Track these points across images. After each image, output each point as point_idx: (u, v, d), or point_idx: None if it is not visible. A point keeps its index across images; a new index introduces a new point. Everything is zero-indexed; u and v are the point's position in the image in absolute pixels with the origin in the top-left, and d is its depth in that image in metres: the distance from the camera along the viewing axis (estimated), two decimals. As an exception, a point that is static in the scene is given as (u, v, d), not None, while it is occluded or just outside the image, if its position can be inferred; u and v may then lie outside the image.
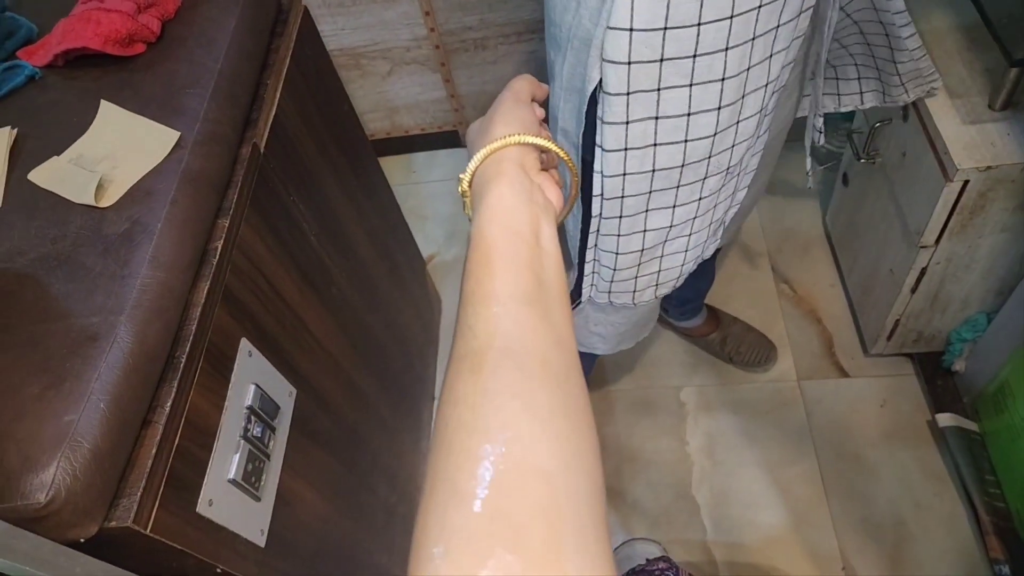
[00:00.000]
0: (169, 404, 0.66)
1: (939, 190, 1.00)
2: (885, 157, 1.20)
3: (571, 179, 0.53)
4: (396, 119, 1.98)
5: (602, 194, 0.78)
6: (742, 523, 1.34)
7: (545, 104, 0.55)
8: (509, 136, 0.45)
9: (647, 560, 0.70)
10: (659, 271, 0.91)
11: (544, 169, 0.48)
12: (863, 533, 1.28)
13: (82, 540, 0.59)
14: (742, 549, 1.31)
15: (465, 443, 0.33)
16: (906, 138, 1.11)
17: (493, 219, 0.41)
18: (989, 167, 0.95)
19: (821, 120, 0.89)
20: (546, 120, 0.53)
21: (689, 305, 1.47)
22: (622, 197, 0.78)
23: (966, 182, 0.98)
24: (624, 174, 0.75)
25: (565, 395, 0.36)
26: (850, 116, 1.49)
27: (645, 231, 0.83)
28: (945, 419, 1.28)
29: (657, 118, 0.70)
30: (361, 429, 1.14)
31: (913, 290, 1.20)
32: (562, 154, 0.48)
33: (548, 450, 0.33)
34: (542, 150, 0.47)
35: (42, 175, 0.78)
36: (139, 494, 0.61)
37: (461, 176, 0.46)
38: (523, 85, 0.52)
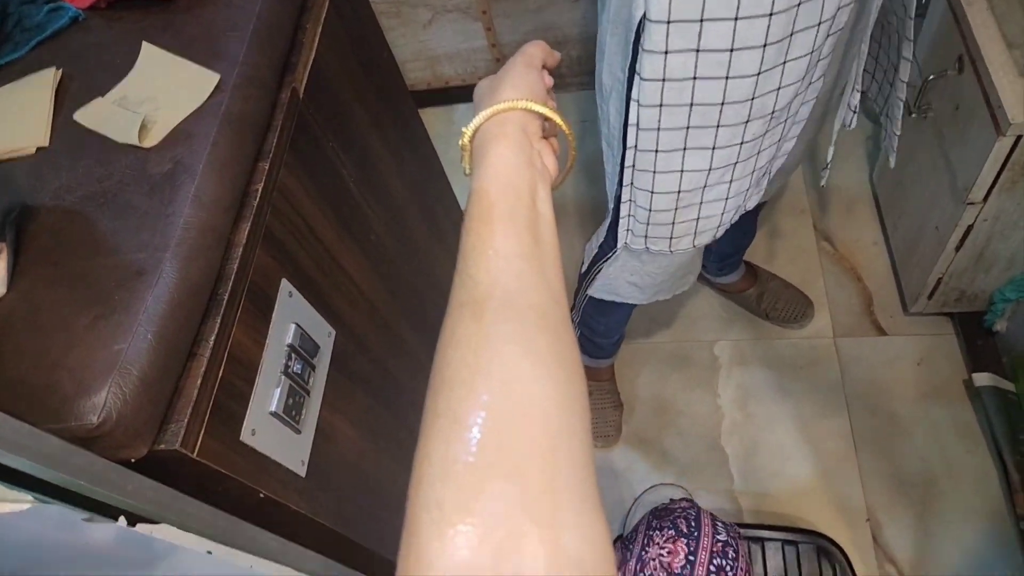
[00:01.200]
0: (213, 338, 0.69)
1: (990, 145, 0.97)
2: (937, 111, 1.16)
3: (568, 151, 0.54)
4: (437, 69, 1.97)
5: (637, 123, 0.77)
6: (770, 474, 1.35)
7: (555, 72, 0.56)
8: (516, 100, 0.46)
9: (670, 500, 0.72)
10: (698, 218, 0.89)
11: (544, 137, 0.50)
12: (891, 488, 1.29)
13: (133, 460, 0.63)
14: (768, 499, 1.32)
15: (468, 380, 0.35)
16: (960, 91, 1.07)
17: (496, 178, 0.43)
18: (1044, 122, 0.92)
19: (858, 96, 0.84)
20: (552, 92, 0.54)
21: (728, 260, 1.46)
22: (658, 129, 0.76)
23: (1019, 137, 0.94)
24: (661, 105, 0.74)
25: (561, 345, 0.38)
26: (902, 66, 1.44)
27: (683, 171, 0.81)
28: (982, 378, 1.27)
29: (698, 51, 0.68)
30: (398, 372, 1.18)
31: (958, 248, 1.17)
32: (563, 125, 0.50)
33: (546, 391, 0.36)
34: (545, 118, 0.48)
35: (88, 116, 0.81)
36: (186, 420, 0.65)
37: (464, 130, 0.47)
38: (536, 51, 0.53)
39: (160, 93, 0.83)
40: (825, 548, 1.12)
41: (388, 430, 1.10)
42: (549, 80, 0.53)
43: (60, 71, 0.84)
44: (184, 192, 0.71)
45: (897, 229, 1.45)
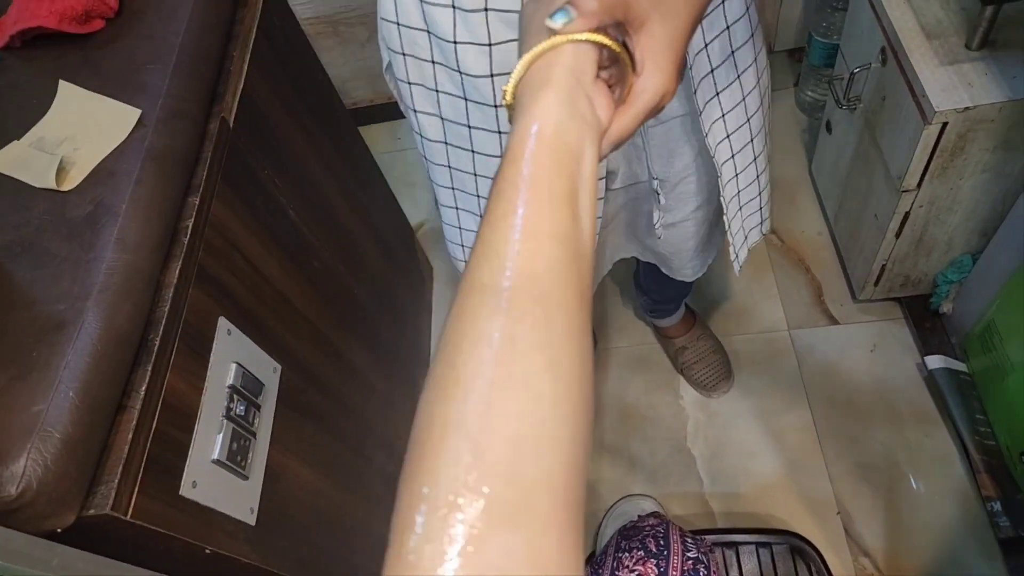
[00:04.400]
0: (144, 388, 0.65)
1: (918, 133, 0.99)
2: (866, 102, 1.18)
3: (630, 86, 0.41)
4: (378, 86, 1.95)
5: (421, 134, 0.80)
6: (738, 473, 1.35)
7: None
8: (561, 35, 0.37)
9: (638, 517, 0.71)
10: (460, 228, 0.90)
11: (599, 75, 0.40)
12: (857, 477, 1.30)
13: (59, 530, 0.58)
14: (739, 499, 1.32)
15: (485, 392, 0.31)
16: (885, 82, 1.09)
17: (537, 139, 0.36)
18: (967, 108, 0.93)
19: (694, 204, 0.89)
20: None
21: (658, 307, 1.41)
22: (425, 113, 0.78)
23: (944, 124, 0.96)
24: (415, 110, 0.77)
25: (583, 354, 0.34)
26: (831, 62, 1.47)
27: (449, 167, 0.82)
28: (934, 361, 1.29)
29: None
30: (352, 401, 1.14)
31: (897, 234, 1.19)
32: (624, 55, 0.40)
33: (564, 416, 0.32)
34: (602, 46, 0.39)
35: (2, 161, 0.77)
36: (116, 481, 0.60)
37: (505, 88, 0.39)
38: None
39: (79, 132, 0.80)
40: (799, 547, 1.12)
41: (343, 463, 1.07)
42: None
43: (-33, 114, 0.80)
44: (106, 235, 0.68)
45: (839, 219, 1.47)
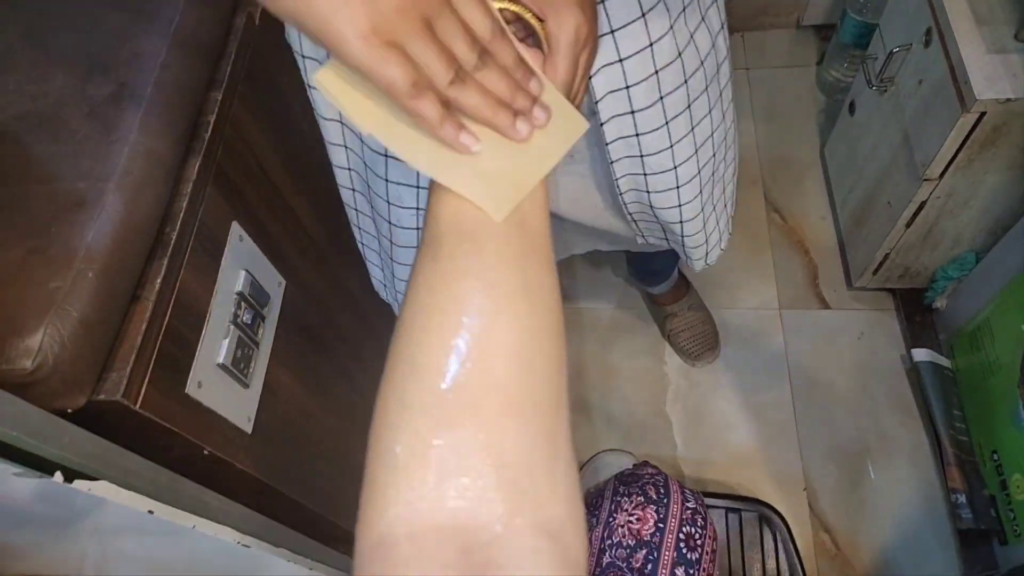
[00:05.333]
0: (159, 280, 0.63)
1: (954, 120, 0.98)
2: (899, 84, 1.17)
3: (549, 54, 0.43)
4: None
5: None
6: (712, 442, 1.37)
7: None
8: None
9: (633, 465, 0.71)
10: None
11: (523, 40, 0.42)
12: (828, 458, 1.33)
13: (69, 411, 0.57)
14: (711, 467, 1.34)
15: (423, 323, 0.35)
16: (924, 64, 1.07)
17: None
18: (1009, 100, 0.93)
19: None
20: None
21: (648, 278, 1.42)
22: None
23: (983, 114, 0.96)
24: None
25: (525, 275, 0.37)
26: (864, 43, 1.45)
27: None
28: (921, 354, 1.31)
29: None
30: (346, 327, 1.13)
31: (908, 224, 1.19)
32: (523, 11, 0.41)
33: (505, 327, 0.35)
34: (514, 16, 0.41)
35: None
36: (128, 369, 0.59)
37: None
38: None
39: None
40: (766, 516, 1.15)
41: (334, 387, 1.06)
42: None
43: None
44: (130, 117, 0.64)
45: (846, 203, 1.47)
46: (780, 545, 1.13)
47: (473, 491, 0.30)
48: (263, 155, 0.86)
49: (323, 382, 1.01)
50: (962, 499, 1.17)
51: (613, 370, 1.47)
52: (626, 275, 1.55)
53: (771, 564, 1.12)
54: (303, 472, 0.94)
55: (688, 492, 0.66)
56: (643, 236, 0.94)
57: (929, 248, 1.25)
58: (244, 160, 0.81)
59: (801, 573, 1.09)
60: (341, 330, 1.10)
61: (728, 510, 1.17)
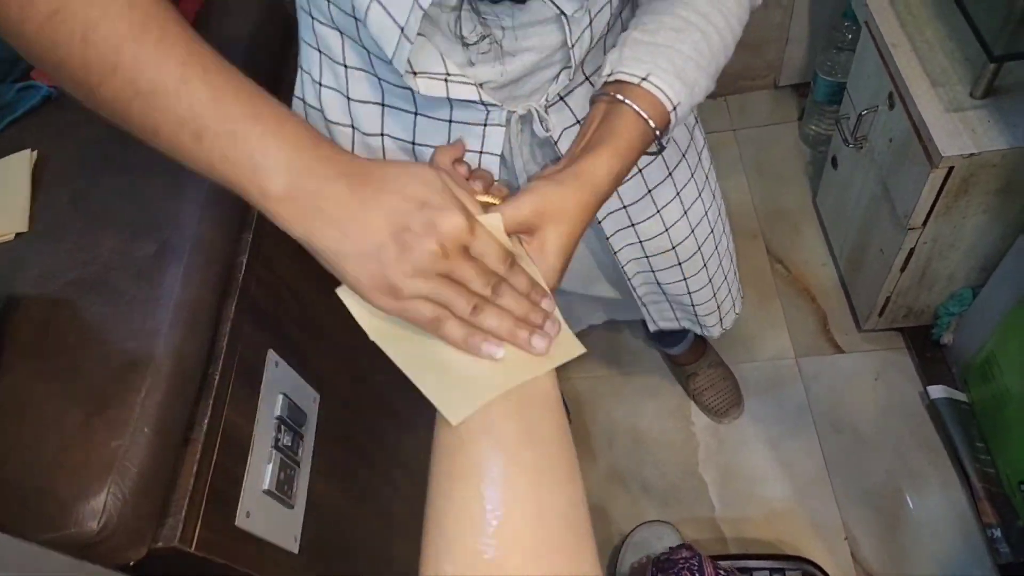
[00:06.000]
0: (207, 421, 0.69)
1: (925, 176, 1.04)
2: (872, 142, 1.24)
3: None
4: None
5: None
6: (748, 499, 1.39)
7: None
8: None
9: (670, 548, 0.74)
10: None
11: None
12: (863, 503, 1.34)
13: (132, 563, 0.61)
14: (749, 524, 1.36)
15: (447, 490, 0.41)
16: (891, 125, 1.14)
17: None
18: (972, 154, 0.99)
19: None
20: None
21: (665, 338, 1.46)
22: None
23: (951, 168, 1.01)
24: None
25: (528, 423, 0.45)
26: (837, 100, 1.53)
27: None
28: (936, 391, 1.33)
29: None
30: (379, 426, 1.18)
31: (902, 269, 1.24)
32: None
33: (517, 482, 0.40)
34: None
35: None
36: (183, 513, 0.63)
37: None
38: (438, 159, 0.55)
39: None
40: (810, 573, 1.16)
41: (373, 488, 1.10)
42: (463, 170, 0.54)
43: (36, 152, 0.84)
44: (172, 273, 0.72)
45: (843, 251, 1.52)
46: (825, 601, 1.13)
47: None
48: (294, 282, 0.93)
49: (364, 489, 1.06)
50: (998, 533, 1.18)
51: (643, 435, 1.50)
52: (644, 337, 1.60)
53: (817, 620, 1.12)
54: (349, 576, 0.98)
55: (723, 573, 0.69)
56: (655, 322, 0.99)
57: (926, 288, 1.29)
58: (276, 290, 0.88)
59: (848, 626, 1.09)
60: (379, 436, 1.15)
61: (771, 571, 1.18)
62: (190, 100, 0.40)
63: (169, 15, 0.42)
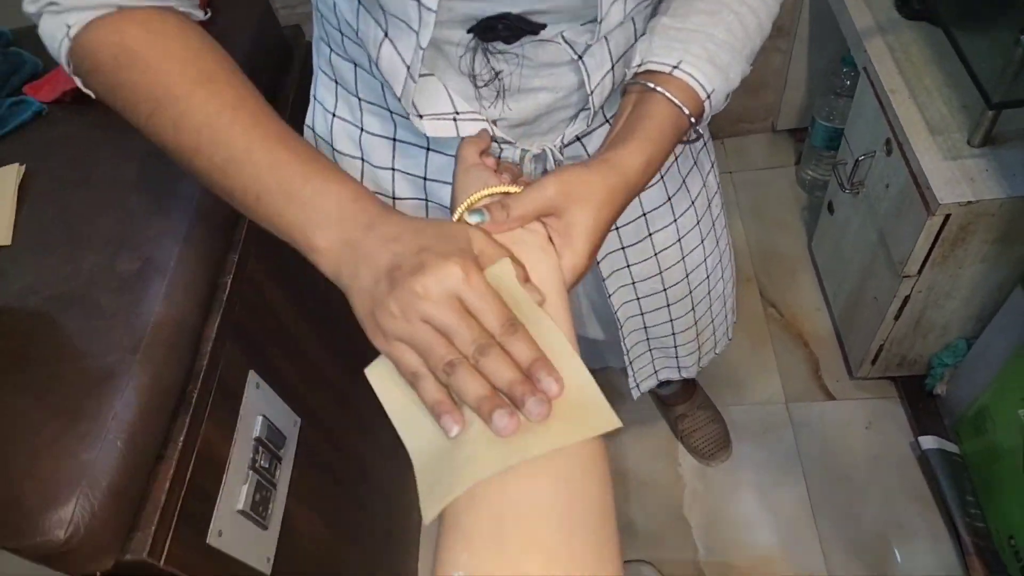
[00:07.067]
0: (182, 439, 0.68)
1: (922, 223, 1.04)
2: (869, 188, 1.24)
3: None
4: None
5: None
6: (733, 544, 1.36)
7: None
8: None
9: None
10: None
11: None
12: (849, 552, 1.31)
13: (98, 574, 0.60)
14: (733, 570, 1.33)
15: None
16: (889, 171, 1.15)
17: None
18: (969, 202, 0.99)
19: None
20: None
21: None
22: None
23: (948, 216, 1.02)
24: None
25: None
26: (835, 145, 1.54)
27: None
28: (928, 441, 1.32)
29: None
30: (365, 457, 1.16)
31: (896, 317, 1.23)
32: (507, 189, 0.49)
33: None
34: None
35: None
36: (153, 528, 0.63)
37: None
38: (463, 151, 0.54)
39: None
40: (792, 618, 1.14)
41: (351, 516, 1.08)
42: (491, 162, 0.52)
43: (23, 167, 0.83)
44: (154, 290, 0.71)
45: (837, 297, 1.52)
46: (807, 651, 1.10)
47: None
48: (278, 306, 0.93)
49: (339, 514, 1.04)
50: (987, 590, 1.16)
51: (629, 474, 1.48)
52: None
53: (800, 672, 1.09)
54: (323, 607, 0.95)
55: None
56: (638, 387, 0.99)
57: (920, 337, 1.29)
58: (260, 313, 0.88)
59: None
60: (357, 457, 1.13)
61: (752, 617, 1.15)
62: (253, 169, 0.47)
63: (241, 92, 0.50)
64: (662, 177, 0.74)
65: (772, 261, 1.73)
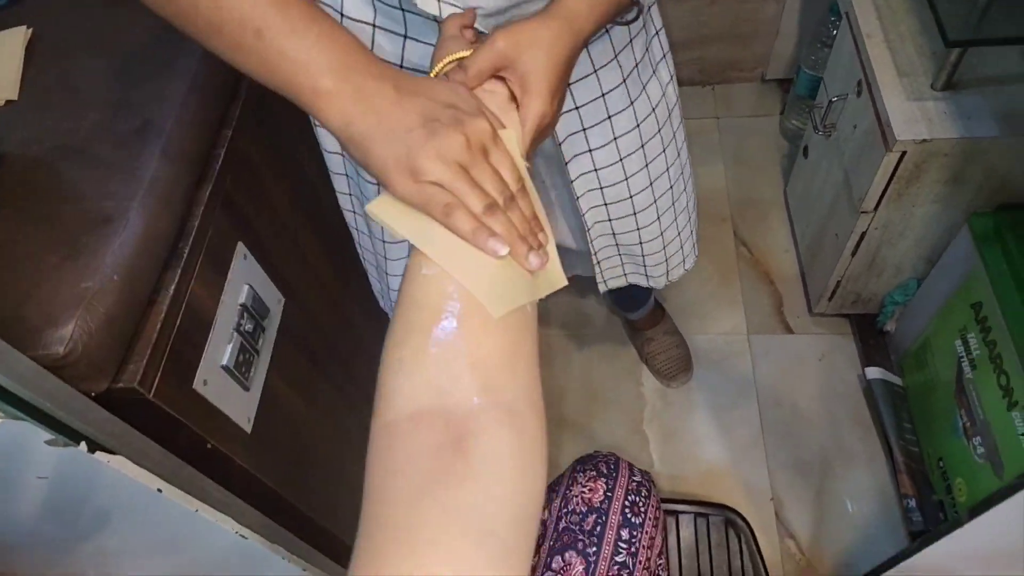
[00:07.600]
0: (172, 288, 0.73)
1: (880, 159, 1.10)
2: (840, 129, 1.30)
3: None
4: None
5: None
6: (686, 457, 1.45)
7: None
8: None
9: (595, 451, 0.80)
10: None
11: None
12: (793, 470, 1.41)
13: (93, 394, 0.66)
14: (684, 480, 1.42)
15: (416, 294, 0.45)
16: (858, 112, 1.20)
17: None
18: (924, 140, 1.05)
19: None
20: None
21: (625, 303, 1.52)
22: None
23: (904, 153, 1.07)
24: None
25: None
26: (814, 92, 1.59)
27: None
28: (873, 372, 1.40)
29: None
30: (342, 348, 1.22)
31: (853, 253, 1.30)
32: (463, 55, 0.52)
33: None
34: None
35: None
36: (144, 361, 0.68)
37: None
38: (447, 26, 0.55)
39: None
40: (732, 520, 1.23)
41: (328, 400, 1.14)
42: (469, 35, 0.54)
43: (31, 29, 0.86)
44: (152, 148, 0.75)
45: (804, 237, 1.59)
46: (744, 546, 1.20)
47: (456, 384, 0.40)
48: (268, 186, 0.97)
49: (319, 396, 1.10)
50: (913, 504, 1.25)
51: (595, 391, 1.56)
52: (607, 303, 1.66)
53: (736, 564, 1.19)
54: (297, 476, 1.02)
55: (636, 469, 0.75)
56: (605, 282, 1.04)
57: (875, 276, 1.36)
58: (250, 190, 0.92)
59: (764, 571, 1.16)
60: (337, 351, 1.20)
61: (696, 515, 1.25)
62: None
63: None
64: (624, 80, 0.78)
65: (748, 204, 1.79)
